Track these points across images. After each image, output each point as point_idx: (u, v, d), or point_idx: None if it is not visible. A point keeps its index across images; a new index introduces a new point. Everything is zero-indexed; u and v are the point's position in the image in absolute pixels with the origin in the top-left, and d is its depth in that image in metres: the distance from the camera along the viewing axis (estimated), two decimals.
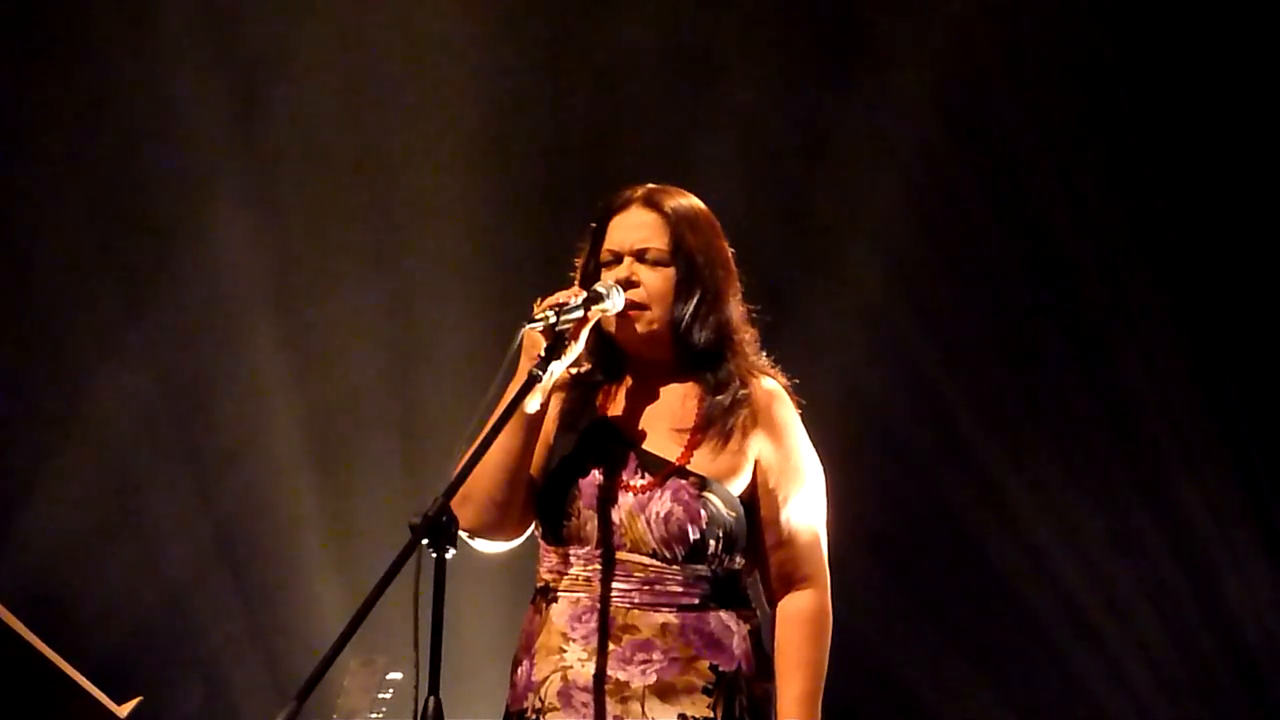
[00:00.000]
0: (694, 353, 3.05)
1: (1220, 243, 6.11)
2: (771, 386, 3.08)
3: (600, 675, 2.91)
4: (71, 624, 5.57)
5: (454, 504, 2.68)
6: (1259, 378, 6.11)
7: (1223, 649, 6.13)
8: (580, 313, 2.93)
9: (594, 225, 3.11)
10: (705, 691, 2.93)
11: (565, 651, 2.95)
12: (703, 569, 2.97)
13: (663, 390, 3.09)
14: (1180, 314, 6.14)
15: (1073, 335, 6.23)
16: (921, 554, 6.22)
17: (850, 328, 6.15)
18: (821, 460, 3.12)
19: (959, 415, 6.19)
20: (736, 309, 3.10)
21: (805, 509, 3.05)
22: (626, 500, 2.97)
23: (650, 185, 3.13)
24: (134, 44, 6.02)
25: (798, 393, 3.13)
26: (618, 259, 3.06)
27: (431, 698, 2.61)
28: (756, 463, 3.03)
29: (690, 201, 3.12)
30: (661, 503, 2.95)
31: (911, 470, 6.18)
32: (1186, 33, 6.08)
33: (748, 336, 3.11)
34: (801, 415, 3.12)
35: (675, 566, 2.95)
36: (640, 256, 3.05)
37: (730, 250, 3.14)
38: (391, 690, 5.25)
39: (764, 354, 3.14)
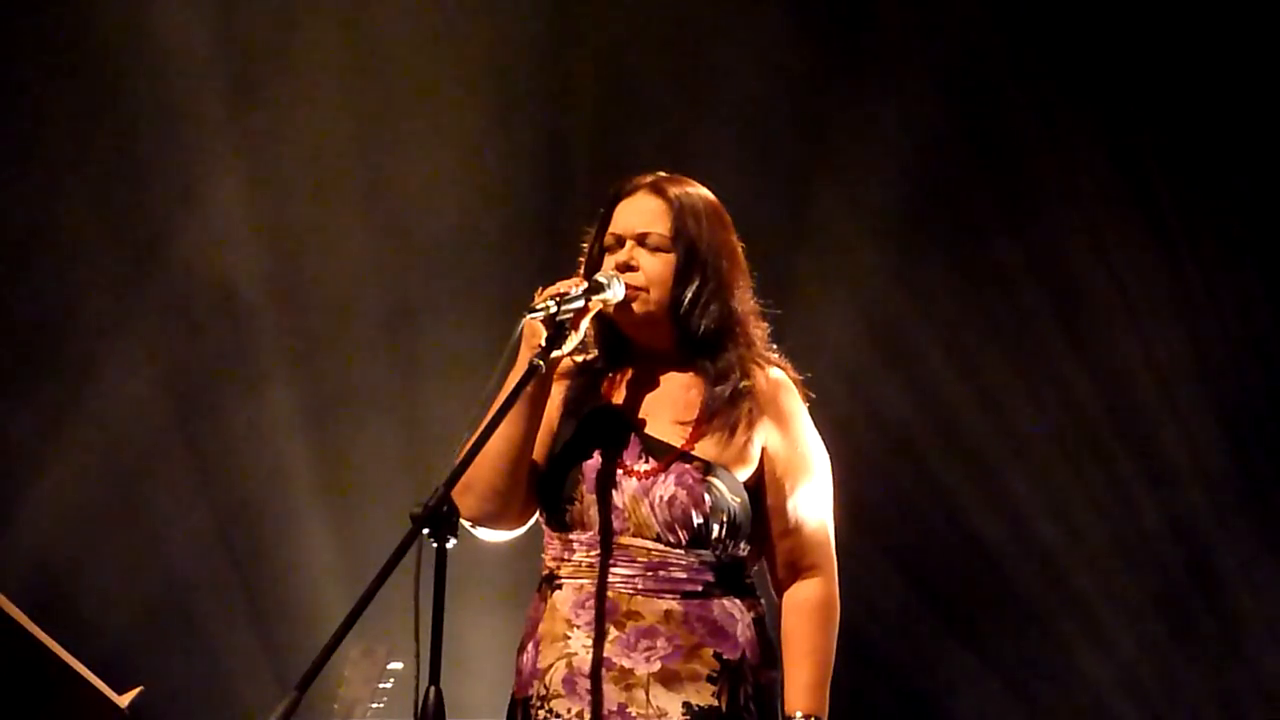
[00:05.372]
0: (694, 340, 3.05)
1: (1225, 232, 6.11)
2: (778, 376, 3.08)
3: (604, 662, 2.91)
4: (72, 614, 5.58)
5: (456, 493, 2.68)
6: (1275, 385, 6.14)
7: (1225, 645, 6.14)
8: (581, 303, 2.94)
9: (602, 210, 3.11)
10: (710, 680, 2.93)
11: (569, 638, 2.95)
12: (707, 554, 2.96)
13: (666, 379, 3.08)
14: (1186, 306, 6.13)
15: (1076, 328, 6.23)
16: (924, 546, 6.23)
17: (851, 320, 6.15)
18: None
19: (960, 408, 6.19)
20: (744, 302, 3.09)
21: (812, 498, 3.05)
22: (630, 484, 2.96)
23: (660, 173, 3.14)
24: (134, 37, 6.01)
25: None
26: (620, 243, 3.06)
27: (432, 688, 2.61)
28: (763, 451, 3.02)
29: (698, 191, 3.12)
30: (665, 487, 2.95)
31: (913, 463, 6.19)
32: (1182, 25, 6.09)
33: (757, 332, 3.10)
34: (808, 408, 3.12)
35: (679, 551, 2.95)
36: (641, 241, 3.05)
37: (740, 245, 3.13)
38: (392, 680, 5.25)
39: (774, 348, 3.13)
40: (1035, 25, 6.19)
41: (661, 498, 2.95)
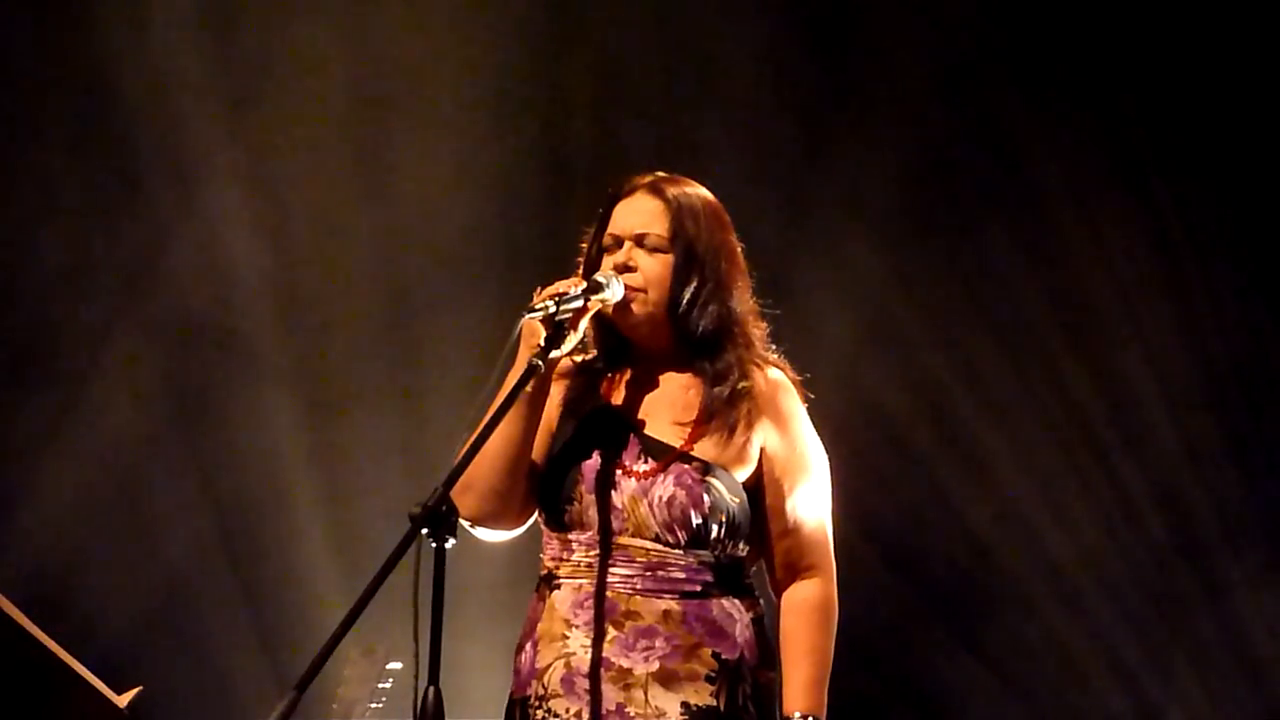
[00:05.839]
0: (693, 340, 3.05)
1: (1225, 230, 6.11)
2: (776, 376, 3.08)
3: (603, 661, 2.91)
4: (72, 614, 5.58)
5: (455, 493, 2.68)
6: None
7: (1224, 646, 6.14)
8: (580, 302, 2.94)
9: (601, 210, 3.12)
10: (708, 679, 2.93)
11: (568, 638, 2.95)
12: (706, 555, 2.97)
13: (666, 380, 3.08)
14: (1185, 305, 6.13)
15: (1075, 326, 6.23)
16: (922, 546, 6.23)
17: (850, 320, 6.15)
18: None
19: (960, 408, 6.20)
20: (742, 302, 3.09)
21: (811, 498, 3.05)
22: (629, 485, 2.97)
23: (659, 173, 3.13)
24: (132, 34, 6.01)
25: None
26: (619, 243, 3.06)
27: (431, 688, 2.61)
28: (762, 451, 3.02)
29: (697, 191, 3.12)
30: (664, 487, 2.95)
31: (912, 463, 6.19)
32: (1180, 21, 6.09)
33: (756, 332, 3.10)
34: (806, 408, 3.12)
35: (678, 552, 2.95)
36: (640, 241, 3.05)
37: (740, 245, 3.13)
38: (391, 680, 5.25)
39: (773, 348, 3.13)
40: (1033, 22, 6.19)
41: (660, 498, 2.95)
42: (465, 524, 2.96)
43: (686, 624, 2.94)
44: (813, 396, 3.13)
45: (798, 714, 2.95)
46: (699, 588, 2.96)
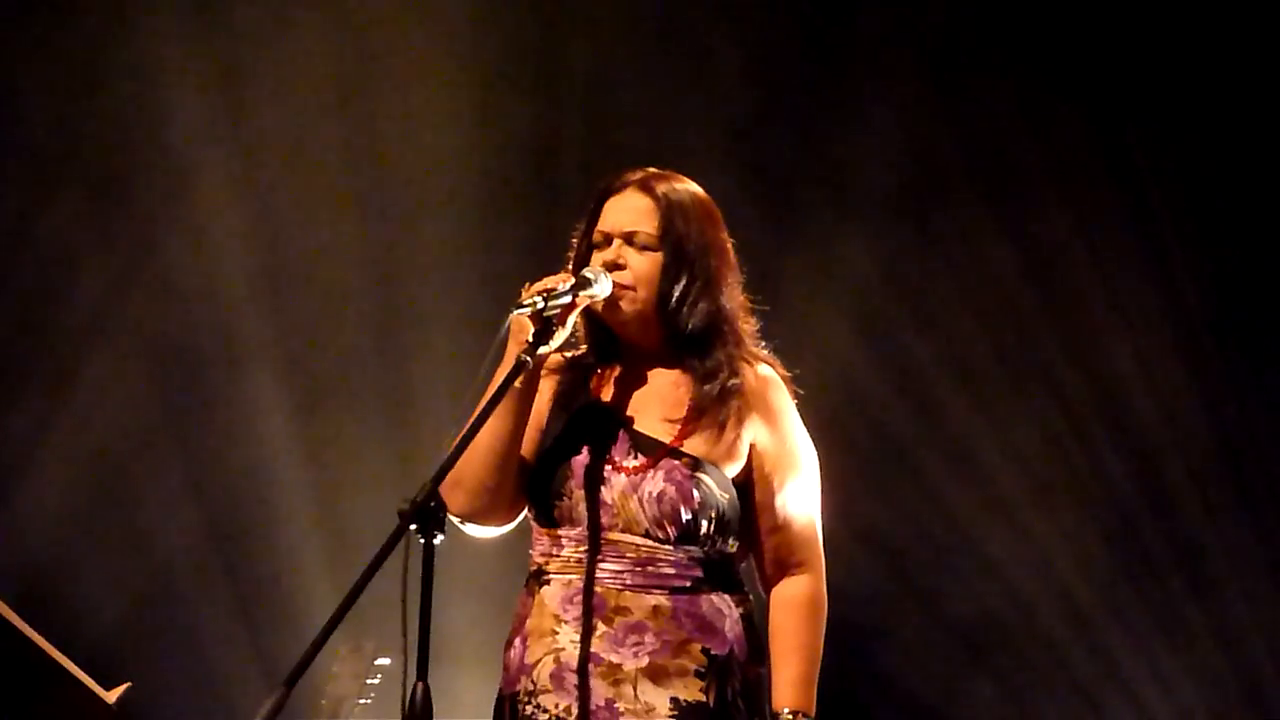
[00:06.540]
0: (683, 338, 3.04)
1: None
2: (766, 373, 3.08)
3: (592, 657, 2.91)
4: (60, 611, 5.56)
5: (445, 489, 2.69)
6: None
7: (1217, 647, 6.15)
8: (568, 298, 2.93)
9: (591, 206, 3.11)
10: (698, 675, 2.93)
11: (557, 634, 2.95)
12: (695, 550, 2.97)
13: (655, 376, 3.08)
14: (1177, 295, 6.14)
15: (1066, 325, 6.23)
16: (912, 543, 6.23)
17: (839, 316, 6.15)
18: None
19: (950, 404, 6.20)
20: (733, 299, 3.08)
21: (800, 494, 3.05)
22: (619, 480, 2.96)
23: (650, 169, 3.13)
24: (121, 26, 6.01)
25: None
26: (608, 241, 3.06)
27: (420, 683, 2.61)
28: (752, 447, 3.03)
29: (687, 187, 3.11)
30: (654, 482, 2.95)
31: (901, 460, 6.19)
32: (1173, 14, 6.10)
33: (746, 328, 3.10)
34: (796, 405, 3.12)
35: (668, 547, 2.95)
36: (629, 239, 3.04)
37: (730, 241, 3.12)
38: (380, 676, 5.25)
39: (762, 344, 3.13)
40: (1024, 18, 6.19)
41: (650, 493, 2.95)
42: (454, 520, 2.96)
43: (676, 619, 2.94)
44: (802, 393, 3.13)
45: (787, 710, 2.96)
46: (689, 583, 2.96)
